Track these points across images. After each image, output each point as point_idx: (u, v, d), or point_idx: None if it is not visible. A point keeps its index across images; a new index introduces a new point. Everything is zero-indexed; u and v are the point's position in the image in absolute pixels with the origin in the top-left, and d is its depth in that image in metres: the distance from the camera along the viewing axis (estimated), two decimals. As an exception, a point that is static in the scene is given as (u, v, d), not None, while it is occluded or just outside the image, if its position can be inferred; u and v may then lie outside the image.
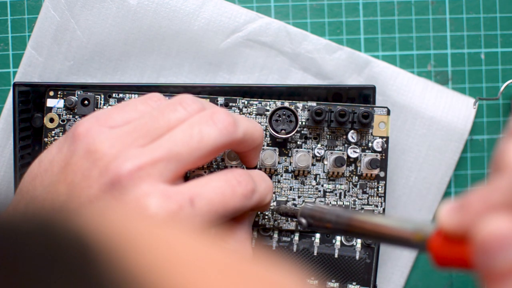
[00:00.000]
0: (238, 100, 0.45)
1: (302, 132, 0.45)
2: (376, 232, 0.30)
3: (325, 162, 0.45)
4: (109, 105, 0.45)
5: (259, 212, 0.45)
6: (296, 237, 0.46)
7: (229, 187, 0.34)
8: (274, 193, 0.45)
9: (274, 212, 0.45)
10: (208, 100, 0.44)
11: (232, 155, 0.43)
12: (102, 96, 0.45)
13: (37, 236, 0.17)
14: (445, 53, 0.51)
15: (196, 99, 0.36)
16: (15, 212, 0.22)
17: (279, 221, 0.45)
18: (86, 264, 0.16)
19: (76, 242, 0.17)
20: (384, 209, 0.45)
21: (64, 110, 0.45)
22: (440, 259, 0.25)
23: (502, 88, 0.47)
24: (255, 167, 0.44)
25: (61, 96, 0.45)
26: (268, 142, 0.45)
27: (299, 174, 0.45)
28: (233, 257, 0.21)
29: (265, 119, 0.45)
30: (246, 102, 0.45)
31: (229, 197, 0.34)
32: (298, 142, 0.45)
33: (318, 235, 0.46)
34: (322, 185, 0.45)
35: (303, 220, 0.36)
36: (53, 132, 0.44)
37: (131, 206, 0.31)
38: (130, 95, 0.45)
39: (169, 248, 0.19)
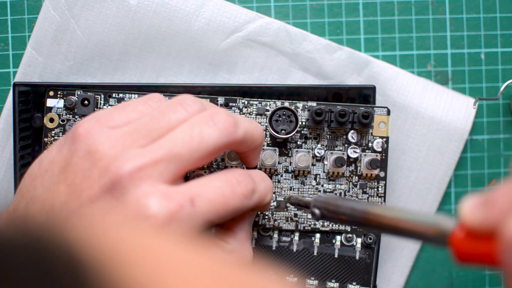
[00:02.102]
0: (238, 100, 0.45)
1: (302, 132, 0.45)
2: (393, 226, 0.29)
3: (325, 162, 0.45)
4: (109, 105, 0.45)
5: (259, 212, 0.45)
6: (296, 237, 0.46)
7: (229, 187, 0.34)
8: (274, 193, 0.45)
9: (286, 202, 0.44)
10: (208, 100, 0.44)
11: (232, 155, 0.43)
12: (102, 96, 0.45)
13: (27, 252, 0.17)
14: (445, 53, 0.51)
15: (197, 100, 0.36)
16: (7, 226, 0.22)
17: (279, 221, 0.45)
18: (77, 280, 0.16)
19: (66, 258, 0.17)
20: (384, 209, 0.45)
21: (64, 110, 0.45)
22: (462, 255, 0.25)
23: (502, 88, 0.47)
24: (255, 167, 0.44)
25: (61, 96, 0.45)
26: (268, 142, 0.45)
27: (299, 174, 0.45)
28: (224, 265, 0.21)
29: (265, 119, 0.45)
30: (246, 102, 0.45)
31: (229, 197, 0.34)
32: (298, 142, 0.45)
33: (318, 235, 0.46)
34: (322, 185, 0.45)
35: (316, 211, 0.35)
36: (53, 132, 0.44)
37: (132, 206, 0.31)
38: (130, 95, 0.45)
39: (159, 259, 0.19)
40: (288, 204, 0.45)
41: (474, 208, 0.25)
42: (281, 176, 0.45)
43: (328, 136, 0.45)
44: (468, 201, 0.25)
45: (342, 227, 0.45)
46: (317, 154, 0.45)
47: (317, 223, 0.45)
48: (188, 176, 0.42)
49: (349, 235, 0.46)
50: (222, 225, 0.40)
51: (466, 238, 0.25)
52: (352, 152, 0.45)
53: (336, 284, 0.45)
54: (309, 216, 0.45)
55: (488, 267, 0.25)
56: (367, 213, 0.31)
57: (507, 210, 0.23)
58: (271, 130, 0.44)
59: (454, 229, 0.26)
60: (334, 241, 0.46)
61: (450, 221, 0.26)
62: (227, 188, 0.34)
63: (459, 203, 0.29)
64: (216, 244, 0.38)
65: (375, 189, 0.45)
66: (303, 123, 0.45)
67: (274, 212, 0.45)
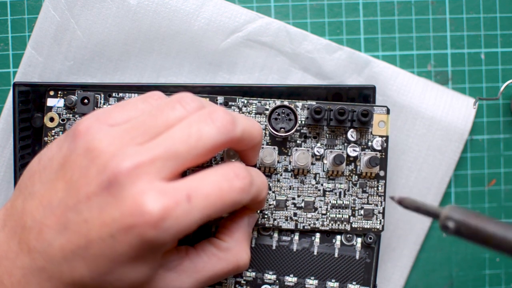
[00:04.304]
0: (237, 99, 0.45)
1: (302, 131, 0.45)
2: None
3: (325, 161, 0.45)
4: (109, 104, 0.45)
5: (258, 212, 0.45)
6: (296, 237, 0.46)
7: (226, 180, 0.34)
8: (273, 192, 0.45)
9: (399, 204, 0.39)
10: (208, 99, 0.44)
11: (231, 153, 0.43)
12: (102, 95, 0.45)
13: None
14: (445, 53, 0.51)
15: (195, 98, 0.36)
16: None
17: (278, 220, 0.45)
18: None
19: None
20: (384, 209, 0.45)
21: (64, 109, 0.45)
22: None
23: (502, 88, 0.47)
24: (254, 166, 0.44)
25: (61, 95, 0.45)
26: (268, 141, 0.45)
27: (299, 173, 0.45)
28: None
29: (264, 118, 0.45)
30: (245, 101, 0.45)
31: (227, 191, 0.34)
32: (298, 141, 0.45)
33: (318, 235, 0.46)
34: (322, 184, 0.45)
35: (451, 225, 0.31)
36: (53, 131, 0.45)
37: (128, 203, 0.31)
38: (130, 94, 0.45)
39: None
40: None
41: None
42: (281, 175, 0.45)
43: (327, 135, 0.45)
44: None
45: (342, 227, 0.45)
46: (317, 153, 0.45)
47: (316, 222, 0.45)
48: (187, 174, 0.42)
49: (349, 235, 0.46)
50: (221, 224, 0.40)
51: None
52: (352, 151, 0.45)
53: (336, 284, 0.45)
54: (309, 215, 0.45)
55: None
56: None
57: None
58: (270, 129, 0.44)
59: None
60: (334, 240, 0.46)
61: None
62: (224, 182, 0.34)
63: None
64: (213, 242, 0.39)
65: (375, 188, 0.45)
66: (303, 122, 0.45)
67: (274, 211, 0.45)
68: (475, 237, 0.30)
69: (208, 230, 0.45)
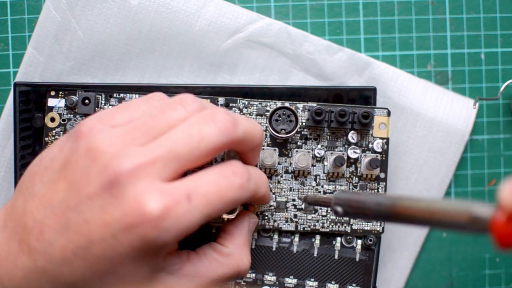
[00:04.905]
0: (238, 100, 0.45)
1: (302, 132, 0.45)
2: (425, 217, 0.28)
3: (325, 163, 0.45)
4: (110, 104, 0.45)
5: (259, 213, 0.45)
6: (296, 238, 0.46)
7: (225, 178, 0.34)
8: (274, 193, 0.45)
9: (303, 202, 0.44)
10: (209, 100, 0.44)
11: (231, 154, 0.43)
12: (103, 95, 0.45)
13: None
14: (445, 53, 0.51)
15: (196, 99, 0.36)
16: None
17: (278, 222, 0.45)
18: None
19: None
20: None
21: (65, 109, 0.45)
22: (505, 240, 0.25)
23: (502, 88, 0.47)
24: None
25: (62, 95, 0.45)
26: (268, 142, 0.45)
27: (299, 175, 0.45)
28: None
29: (265, 119, 0.45)
30: (246, 103, 0.45)
31: (225, 189, 0.34)
32: (298, 143, 0.45)
33: (318, 236, 0.46)
34: (322, 186, 0.45)
35: (339, 209, 0.34)
36: (54, 131, 0.45)
37: (129, 203, 0.31)
38: (131, 95, 0.45)
39: None
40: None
41: None
42: (281, 176, 0.45)
43: (328, 136, 0.45)
44: (507, 185, 0.25)
45: (342, 228, 0.45)
46: (317, 155, 0.45)
47: (317, 224, 0.45)
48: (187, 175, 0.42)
49: (349, 236, 0.46)
50: (222, 229, 0.41)
51: (508, 223, 0.24)
52: (352, 153, 0.45)
53: (336, 286, 0.45)
54: (309, 217, 0.45)
55: None
56: (394, 206, 0.30)
57: None
58: (271, 130, 0.44)
59: (493, 214, 0.25)
60: (334, 242, 0.46)
61: (487, 207, 0.25)
62: (222, 180, 0.34)
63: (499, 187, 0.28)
64: (214, 247, 0.39)
65: (375, 190, 0.45)
66: (303, 123, 0.45)
67: (274, 213, 0.45)
68: (359, 213, 0.33)
69: (208, 233, 0.45)
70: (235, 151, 0.41)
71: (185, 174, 0.34)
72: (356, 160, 0.45)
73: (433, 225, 0.28)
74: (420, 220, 0.29)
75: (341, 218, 0.45)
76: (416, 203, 0.29)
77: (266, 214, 0.45)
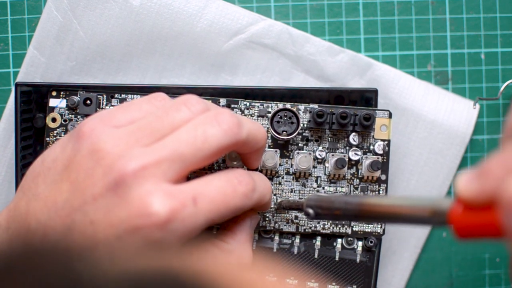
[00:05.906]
0: (240, 101, 0.45)
1: (304, 134, 0.45)
2: (390, 214, 0.29)
3: (326, 165, 0.45)
4: (111, 105, 0.45)
5: (259, 213, 0.45)
6: (297, 240, 0.46)
7: (231, 186, 0.34)
8: (275, 195, 0.45)
9: (277, 208, 0.44)
10: (210, 101, 0.44)
11: (233, 156, 0.43)
12: (105, 96, 0.45)
13: None
14: (445, 53, 0.51)
15: (200, 100, 0.36)
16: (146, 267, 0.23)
17: (279, 223, 0.45)
18: None
19: None
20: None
21: (66, 110, 0.45)
22: (463, 230, 0.25)
23: (502, 88, 0.48)
24: (256, 169, 0.44)
25: (64, 96, 0.45)
26: (270, 144, 0.45)
27: (300, 176, 0.45)
28: None
29: (266, 121, 0.45)
30: (248, 104, 0.45)
31: (231, 196, 0.34)
32: (300, 144, 0.45)
33: (319, 238, 0.46)
34: (323, 188, 0.45)
35: (310, 211, 0.36)
36: (55, 131, 0.44)
37: (134, 204, 0.31)
38: (132, 95, 0.45)
39: None
40: (277, 215, 0.45)
41: (469, 181, 0.25)
42: (282, 178, 0.45)
43: (329, 138, 0.45)
44: (462, 176, 0.25)
45: (343, 230, 0.45)
46: (319, 156, 0.45)
47: (317, 225, 0.45)
48: (189, 178, 0.42)
49: (350, 238, 0.46)
50: (223, 226, 0.40)
51: (465, 213, 0.25)
52: (354, 155, 0.45)
53: (337, 287, 0.45)
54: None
55: (490, 240, 0.25)
56: (362, 205, 0.31)
57: (502, 176, 0.24)
58: (272, 131, 0.44)
59: (451, 206, 0.26)
60: (335, 244, 0.46)
61: (447, 200, 0.26)
62: (228, 188, 0.34)
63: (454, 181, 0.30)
64: (215, 244, 0.39)
65: (376, 192, 0.45)
66: (305, 125, 0.45)
67: (275, 214, 0.45)
68: (329, 214, 0.35)
69: (209, 231, 0.45)
70: (238, 153, 0.41)
71: (187, 178, 0.34)
72: (357, 162, 0.45)
73: (399, 221, 0.30)
74: (386, 216, 0.30)
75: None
76: (381, 200, 0.31)
77: (267, 215, 0.45)
